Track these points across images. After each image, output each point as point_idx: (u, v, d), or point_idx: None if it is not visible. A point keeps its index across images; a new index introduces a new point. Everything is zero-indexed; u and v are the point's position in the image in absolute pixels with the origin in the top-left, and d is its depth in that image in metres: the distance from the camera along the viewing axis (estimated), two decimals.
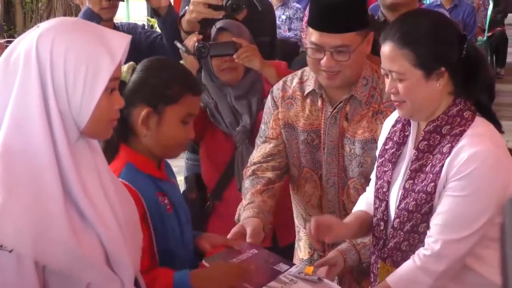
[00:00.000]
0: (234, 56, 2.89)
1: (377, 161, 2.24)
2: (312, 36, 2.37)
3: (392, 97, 2.09)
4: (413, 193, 2.06)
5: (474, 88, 2.08)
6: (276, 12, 8.04)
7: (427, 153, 2.06)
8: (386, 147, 2.22)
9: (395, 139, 2.19)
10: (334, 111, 2.49)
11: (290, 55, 7.76)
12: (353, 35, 2.36)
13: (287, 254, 2.67)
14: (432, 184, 2.02)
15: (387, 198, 2.16)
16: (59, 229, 1.58)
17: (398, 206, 2.11)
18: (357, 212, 2.35)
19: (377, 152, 2.28)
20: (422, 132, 2.10)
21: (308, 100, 2.55)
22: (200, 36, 2.93)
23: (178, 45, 2.94)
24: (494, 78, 2.14)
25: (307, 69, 2.57)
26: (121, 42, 1.65)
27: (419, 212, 2.05)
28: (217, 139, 3.02)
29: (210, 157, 3.06)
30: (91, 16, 3.22)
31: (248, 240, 2.33)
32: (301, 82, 2.58)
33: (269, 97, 2.65)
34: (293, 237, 2.82)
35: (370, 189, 2.33)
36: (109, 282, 1.69)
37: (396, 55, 2.03)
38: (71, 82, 1.60)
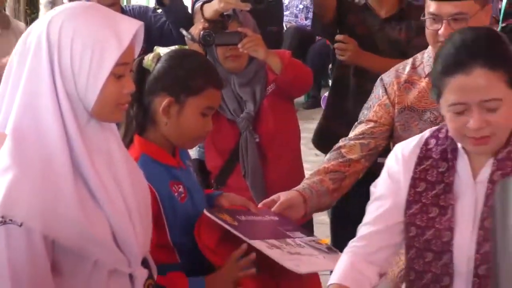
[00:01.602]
0: (239, 45, 2.94)
1: (408, 209, 1.90)
2: (430, 7, 2.43)
3: (478, 133, 1.79)
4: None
5: None
6: (293, 2, 8.19)
7: None
8: (419, 189, 1.90)
9: (429, 178, 1.89)
10: None
11: (307, 43, 7.87)
12: (470, 2, 2.39)
13: None
14: None
15: (451, 247, 1.84)
16: (68, 205, 1.63)
17: (478, 251, 1.81)
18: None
19: (375, 208, 1.96)
20: (494, 161, 1.83)
21: (427, 79, 2.54)
22: (206, 25, 2.99)
23: (184, 32, 3.01)
24: None
25: (418, 55, 2.61)
26: (130, 28, 1.69)
27: None
28: (222, 126, 3.07)
29: (215, 143, 3.11)
30: None
31: (260, 205, 2.37)
32: (414, 67, 2.60)
33: (378, 84, 2.66)
34: None
35: (359, 252, 1.95)
36: (116, 260, 1.74)
37: (491, 79, 1.76)
38: (77, 65, 1.65)
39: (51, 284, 1.67)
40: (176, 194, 2.16)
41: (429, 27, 2.47)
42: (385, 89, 2.63)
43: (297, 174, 3.11)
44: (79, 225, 1.64)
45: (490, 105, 1.77)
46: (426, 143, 1.93)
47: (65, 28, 1.65)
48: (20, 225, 1.60)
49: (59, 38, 1.65)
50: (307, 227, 2.73)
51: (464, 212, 1.85)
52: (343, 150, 2.58)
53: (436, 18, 2.44)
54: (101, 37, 1.65)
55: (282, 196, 2.43)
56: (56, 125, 1.65)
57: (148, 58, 2.21)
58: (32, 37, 1.67)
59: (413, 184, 1.90)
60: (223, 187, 3.11)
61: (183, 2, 3.47)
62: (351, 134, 2.63)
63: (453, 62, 1.79)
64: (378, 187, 1.98)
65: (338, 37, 3.25)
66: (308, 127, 4.75)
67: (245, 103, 3.07)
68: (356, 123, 2.67)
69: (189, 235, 2.12)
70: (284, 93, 3.09)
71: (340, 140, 2.63)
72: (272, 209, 2.35)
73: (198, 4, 3.23)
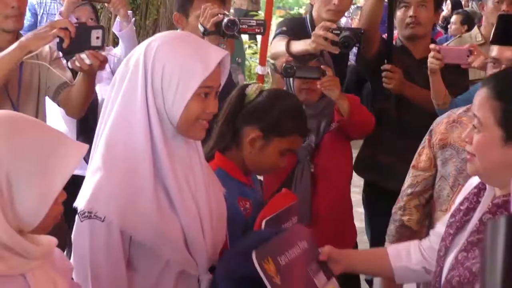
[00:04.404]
0: (318, 82, 3.15)
1: (448, 220, 2.04)
2: (492, 52, 2.55)
3: (467, 148, 1.91)
4: (461, 268, 1.85)
5: None
6: None
7: None
8: (461, 207, 2.00)
9: (469, 202, 1.98)
10: None
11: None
12: None
13: None
14: (478, 265, 1.77)
15: (442, 264, 1.96)
16: (147, 206, 1.84)
17: (446, 276, 1.92)
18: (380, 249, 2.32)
19: (452, 209, 2.10)
20: (490, 204, 1.87)
21: None
22: (290, 58, 3.21)
23: (271, 61, 3.23)
24: None
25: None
26: (217, 56, 1.90)
27: None
28: None
29: None
30: None
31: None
32: (468, 110, 2.67)
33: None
34: None
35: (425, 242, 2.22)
36: (185, 262, 1.93)
37: (486, 103, 1.83)
38: (167, 85, 1.86)
39: (125, 276, 1.87)
40: (242, 209, 2.33)
41: (489, 72, 2.60)
42: (431, 130, 2.81)
43: (344, 207, 3.33)
44: (155, 224, 1.84)
45: (476, 124, 1.84)
46: None
47: (159, 52, 1.88)
48: (103, 220, 1.81)
49: (153, 61, 1.87)
50: None
51: (460, 239, 1.93)
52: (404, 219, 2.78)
53: (496, 62, 2.58)
54: (189, 62, 1.87)
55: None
56: (145, 135, 1.86)
57: (252, 89, 2.41)
58: (132, 59, 1.91)
59: (461, 202, 2.00)
60: None
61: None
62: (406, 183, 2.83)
63: (483, 81, 1.93)
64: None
65: (386, 66, 3.50)
66: None
67: (308, 134, 3.26)
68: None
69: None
70: (345, 133, 3.29)
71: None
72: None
73: (280, 40, 3.46)
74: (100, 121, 1.92)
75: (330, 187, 3.26)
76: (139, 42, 2.10)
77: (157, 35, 1.98)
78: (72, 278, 1.84)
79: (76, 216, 1.87)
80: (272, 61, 3.27)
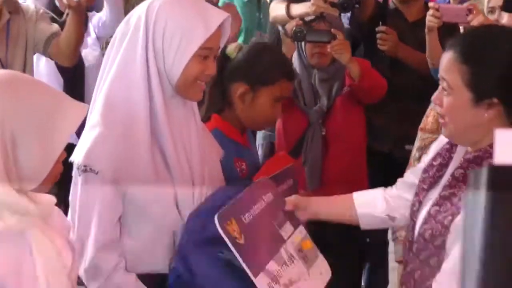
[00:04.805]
0: (328, 46, 3.13)
1: (421, 175, 2.06)
2: (503, 19, 2.53)
3: (437, 109, 1.97)
4: (433, 221, 1.90)
5: None
6: None
7: (461, 183, 1.88)
8: (434, 163, 2.03)
9: (442, 157, 2.01)
10: None
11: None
12: None
13: None
14: (450, 218, 1.85)
15: (415, 218, 2.00)
16: (142, 164, 1.87)
17: (419, 229, 1.95)
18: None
19: (422, 163, 2.12)
20: (462, 159, 1.92)
21: None
22: (300, 22, 3.18)
23: (280, 27, 3.22)
24: None
25: None
26: (218, 18, 1.91)
27: (433, 243, 1.89)
28: (294, 115, 3.25)
29: (285, 130, 3.30)
30: None
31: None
32: None
33: None
34: None
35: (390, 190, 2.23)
36: (175, 223, 1.95)
37: (453, 67, 1.85)
38: (168, 44, 1.88)
39: (117, 230, 1.90)
40: (238, 169, 2.37)
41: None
42: None
43: (357, 171, 3.30)
44: (148, 184, 1.87)
45: (445, 86, 1.87)
46: None
47: (161, 13, 1.89)
48: (97, 173, 1.84)
49: (155, 21, 1.88)
50: None
51: (433, 193, 1.96)
52: None
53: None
54: (190, 22, 1.88)
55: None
56: (144, 94, 1.88)
57: (231, 47, 2.44)
58: (133, 18, 1.91)
59: (434, 157, 2.04)
60: None
61: None
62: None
63: (449, 42, 1.93)
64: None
65: (381, 28, 3.50)
66: None
67: (320, 98, 3.25)
68: None
69: None
70: (357, 98, 3.27)
71: None
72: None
73: (279, 2, 3.47)
74: (99, 77, 1.94)
75: (342, 151, 3.24)
76: (129, 7, 2.10)
77: None
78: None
79: (73, 171, 1.90)
80: (281, 26, 3.25)
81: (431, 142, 2.68)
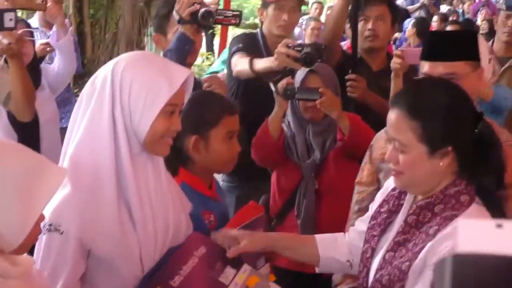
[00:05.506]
0: (317, 102, 3.15)
1: (369, 222, 2.13)
2: (424, 68, 2.52)
3: (391, 166, 2.01)
4: (390, 267, 1.95)
5: (480, 172, 1.93)
6: None
7: (414, 229, 1.95)
8: (381, 209, 2.10)
9: (390, 204, 2.09)
10: None
11: None
12: (461, 64, 2.39)
13: None
14: (407, 263, 1.90)
15: (369, 264, 2.05)
16: (108, 222, 1.90)
17: (375, 275, 2.00)
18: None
19: (371, 211, 2.19)
20: (414, 206, 1.99)
21: None
22: (291, 80, 3.21)
23: (271, 86, 3.24)
24: (504, 165, 1.95)
25: None
26: (182, 75, 1.97)
27: None
28: (288, 168, 3.29)
29: (279, 183, 3.34)
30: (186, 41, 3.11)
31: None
32: None
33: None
34: None
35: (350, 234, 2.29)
36: (137, 273, 1.98)
37: (403, 125, 1.92)
38: (134, 103, 1.93)
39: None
40: (207, 221, 2.39)
41: None
42: (371, 146, 2.83)
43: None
44: (114, 239, 1.91)
45: (397, 146, 1.94)
46: None
47: (126, 72, 1.94)
48: (62, 233, 1.87)
49: (121, 80, 1.94)
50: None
51: (386, 240, 2.03)
52: None
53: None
54: (156, 80, 1.93)
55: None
56: (110, 152, 1.93)
57: None
58: (99, 78, 1.97)
59: (381, 204, 2.12)
60: (279, 225, 3.32)
61: None
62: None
63: (393, 100, 2.02)
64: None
65: (351, 76, 3.58)
66: None
67: (314, 151, 3.27)
68: None
69: None
70: (348, 152, 3.27)
71: None
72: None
73: (242, 57, 3.55)
74: (67, 137, 1.98)
75: (335, 204, 3.24)
76: (100, 56, 2.17)
77: (124, 55, 2.05)
78: None
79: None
80: (272, 86, 3.28)
81: (368, 194, 2.78)
